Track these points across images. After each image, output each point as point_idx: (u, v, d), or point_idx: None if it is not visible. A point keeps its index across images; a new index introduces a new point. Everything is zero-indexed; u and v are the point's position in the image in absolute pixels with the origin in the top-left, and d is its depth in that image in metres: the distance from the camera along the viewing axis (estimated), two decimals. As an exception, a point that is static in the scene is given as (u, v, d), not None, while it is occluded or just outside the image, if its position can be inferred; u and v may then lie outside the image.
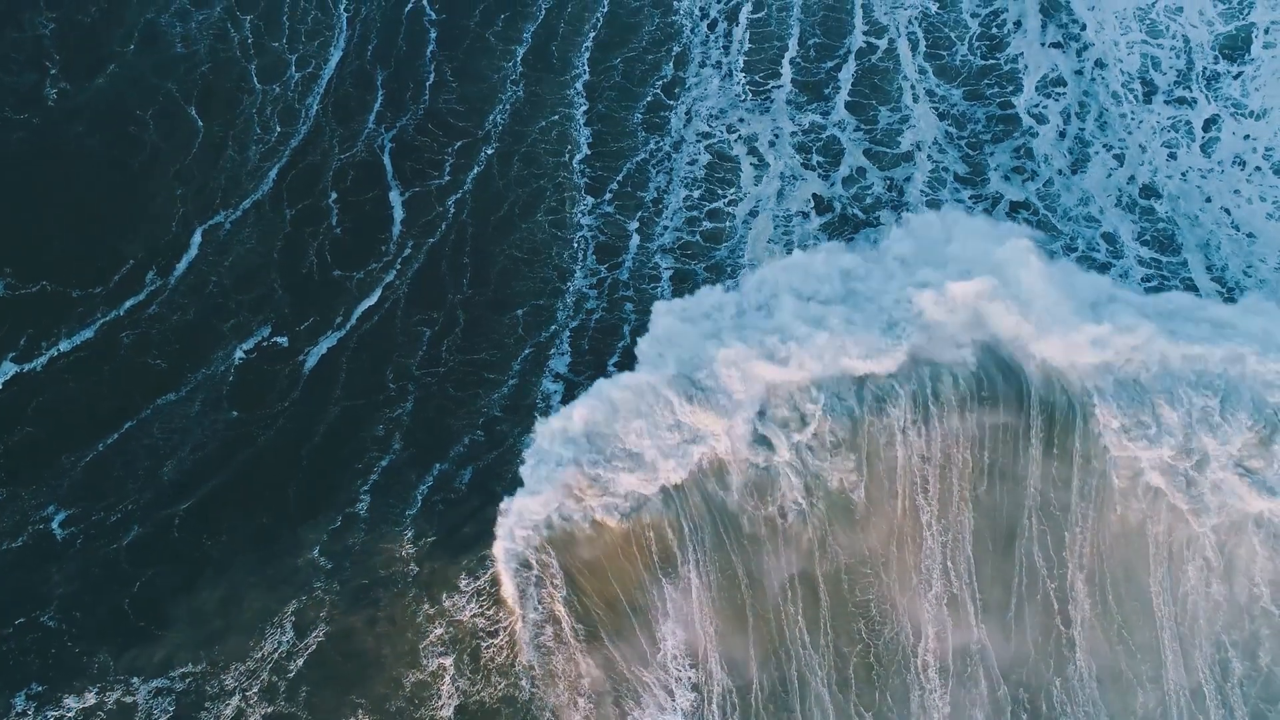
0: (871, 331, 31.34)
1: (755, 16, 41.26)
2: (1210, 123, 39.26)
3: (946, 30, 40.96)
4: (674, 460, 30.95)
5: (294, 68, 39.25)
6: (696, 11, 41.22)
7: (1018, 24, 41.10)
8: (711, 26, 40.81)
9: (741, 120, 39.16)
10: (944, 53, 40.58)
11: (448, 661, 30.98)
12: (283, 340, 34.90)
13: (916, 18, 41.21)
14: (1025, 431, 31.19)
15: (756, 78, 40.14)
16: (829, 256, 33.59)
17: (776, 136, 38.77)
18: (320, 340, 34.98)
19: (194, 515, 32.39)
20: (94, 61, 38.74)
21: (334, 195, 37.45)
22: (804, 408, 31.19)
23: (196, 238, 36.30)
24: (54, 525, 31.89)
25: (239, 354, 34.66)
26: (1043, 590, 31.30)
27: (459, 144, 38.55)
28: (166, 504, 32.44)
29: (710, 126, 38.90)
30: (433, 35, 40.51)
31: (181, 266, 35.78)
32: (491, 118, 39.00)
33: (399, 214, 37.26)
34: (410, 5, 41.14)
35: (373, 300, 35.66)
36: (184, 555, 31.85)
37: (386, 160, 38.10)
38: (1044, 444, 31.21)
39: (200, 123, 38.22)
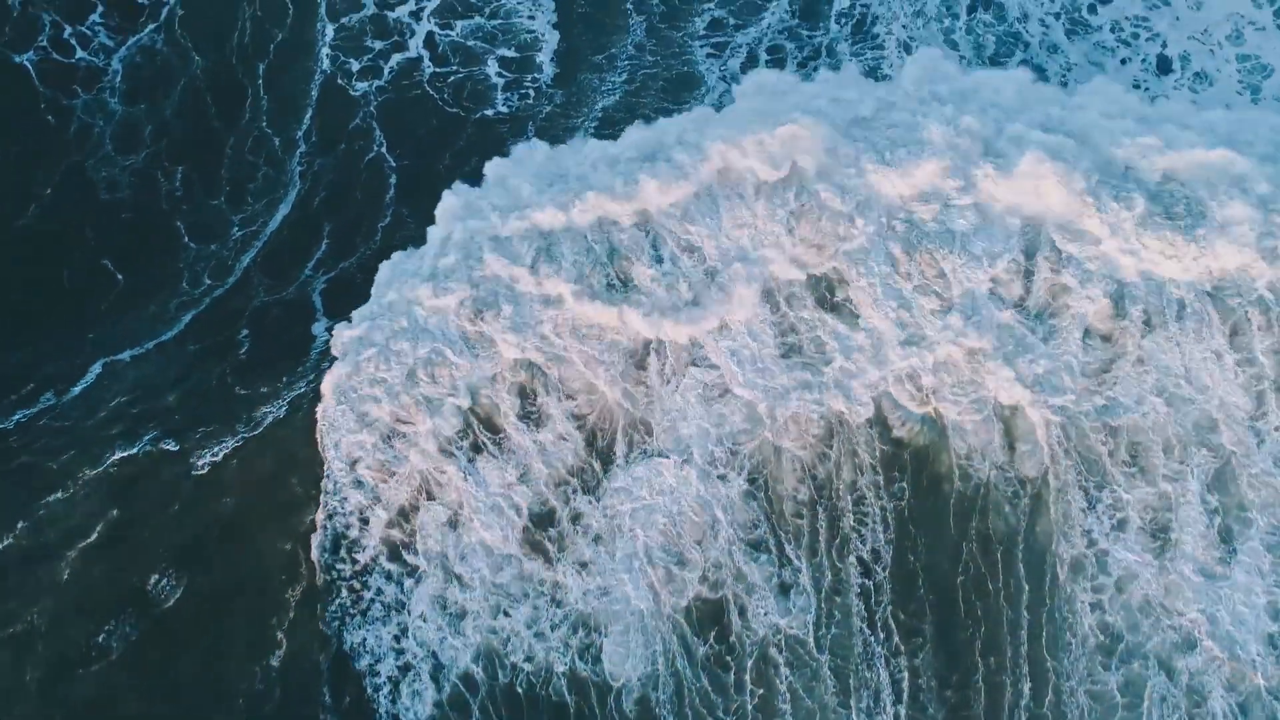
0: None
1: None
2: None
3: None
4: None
5: (236, 227, 36.13)
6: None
7: None
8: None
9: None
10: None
11: None
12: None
13: None
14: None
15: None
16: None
17: None
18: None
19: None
20: (17, 200, 37.07)
21: (247, 331, 33.72)
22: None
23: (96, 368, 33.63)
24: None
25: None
26: None
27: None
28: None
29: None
30: (393, 181, 37.12)
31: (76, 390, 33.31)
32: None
33: (320, 343, 31.94)
34: (370, 154, 37.30)
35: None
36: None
37: (317, 299, 34.85)
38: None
39: (120, 275, 35.51)
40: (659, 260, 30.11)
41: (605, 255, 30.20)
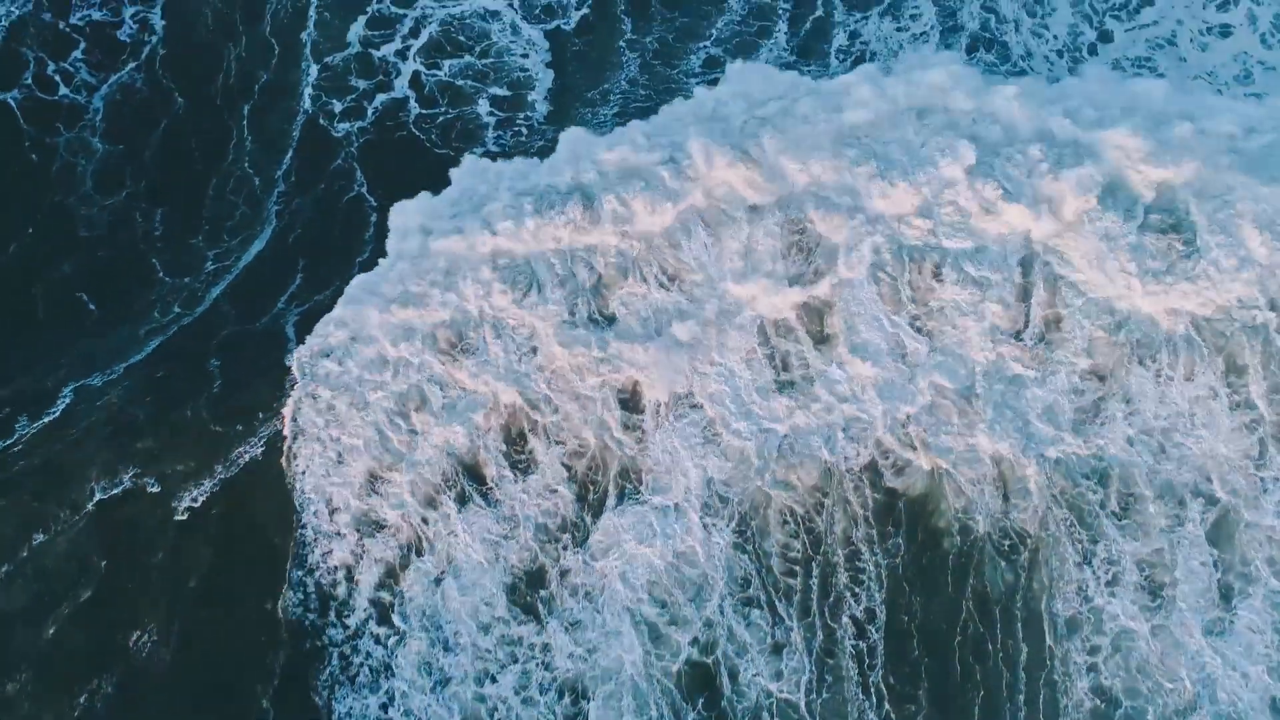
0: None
1: None
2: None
3: None
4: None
5: (210, 261, 35.64)
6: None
7: None
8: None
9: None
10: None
11: None
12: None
13: None
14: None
15: None
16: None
17: None
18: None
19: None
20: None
21: (218, 361, 33.19)
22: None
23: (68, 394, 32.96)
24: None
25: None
26: None
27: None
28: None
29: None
30: (373, 219, 36.54)
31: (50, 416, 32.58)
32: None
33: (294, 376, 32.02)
34: (350, 194, 36.95)
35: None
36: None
37: (290, 330, 33.79)
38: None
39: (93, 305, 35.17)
40: (643, 289, 29.67)
41: (588, 285, 29.72)
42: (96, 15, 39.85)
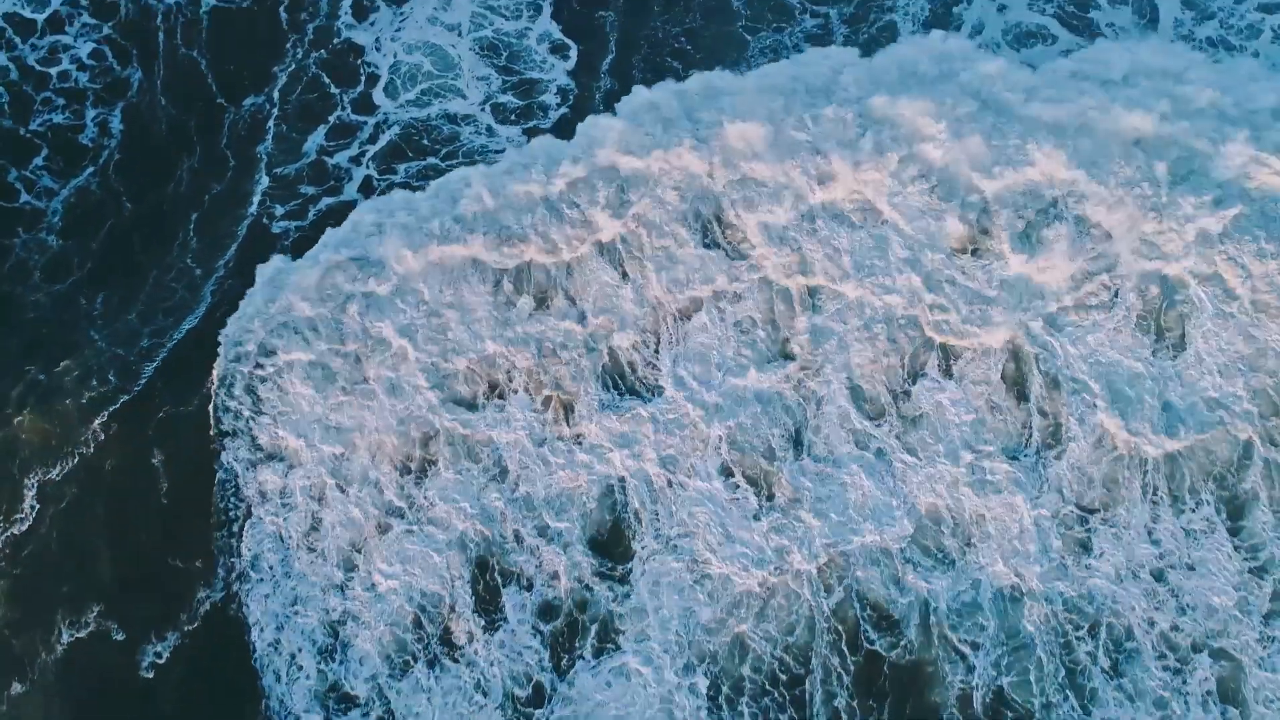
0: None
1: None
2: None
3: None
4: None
5: (146, 338, 36.34)
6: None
7: None
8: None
9: None
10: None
11: None
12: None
13: None
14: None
15: None
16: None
17: None
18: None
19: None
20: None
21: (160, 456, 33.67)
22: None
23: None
24: None
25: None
26: None
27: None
28: None
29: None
30: None
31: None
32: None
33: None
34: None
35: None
36: None
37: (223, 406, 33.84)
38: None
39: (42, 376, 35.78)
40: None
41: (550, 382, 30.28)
42: (58, 119, 41.37)
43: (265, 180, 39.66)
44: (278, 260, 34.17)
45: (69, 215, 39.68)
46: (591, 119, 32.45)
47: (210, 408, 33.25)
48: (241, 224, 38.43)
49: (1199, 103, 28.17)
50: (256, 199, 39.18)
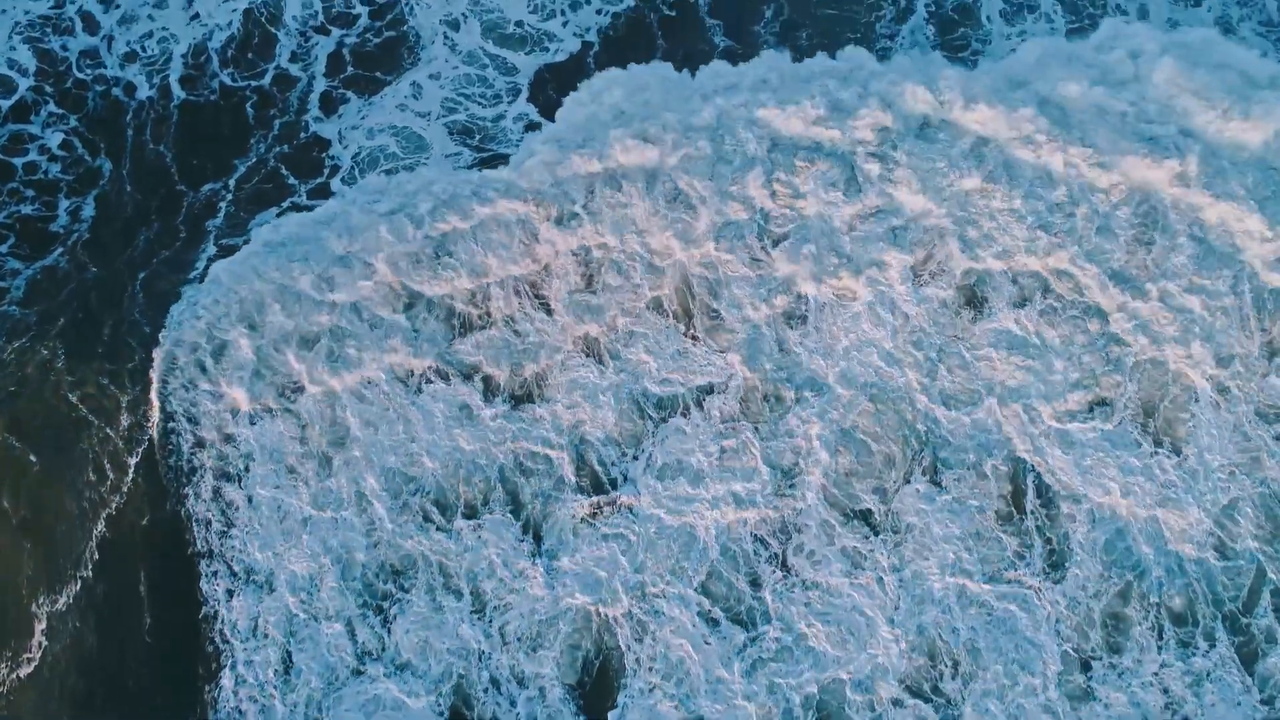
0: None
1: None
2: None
3: None
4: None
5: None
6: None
7: None
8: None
9: None
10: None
11: None
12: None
13: None
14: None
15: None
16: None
17: None
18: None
19: None
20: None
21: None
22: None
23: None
24: None
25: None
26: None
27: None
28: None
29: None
30: None
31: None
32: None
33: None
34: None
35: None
36: None
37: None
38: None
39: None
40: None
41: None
42: (27, 210, 43.42)
43: (212, 249, 41.77)
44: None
45: (32, 289, 41.32)
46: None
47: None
48: (182, 286, 39.95)
49: None
50: (201, 264, 41.21)
